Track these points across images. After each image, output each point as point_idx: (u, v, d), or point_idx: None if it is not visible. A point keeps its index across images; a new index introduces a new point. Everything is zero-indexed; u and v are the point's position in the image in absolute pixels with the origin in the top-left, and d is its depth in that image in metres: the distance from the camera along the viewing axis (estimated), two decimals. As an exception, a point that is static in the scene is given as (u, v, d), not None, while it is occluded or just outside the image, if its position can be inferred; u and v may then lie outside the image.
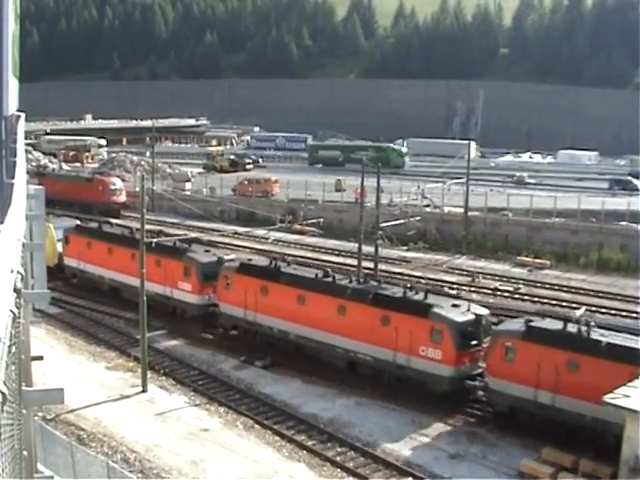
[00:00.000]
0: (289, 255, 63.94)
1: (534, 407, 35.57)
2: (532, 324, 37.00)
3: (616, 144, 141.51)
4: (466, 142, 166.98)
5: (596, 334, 34.78)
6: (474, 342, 38.98)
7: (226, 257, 53.56)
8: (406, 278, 60.90)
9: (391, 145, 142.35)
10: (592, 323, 36.33)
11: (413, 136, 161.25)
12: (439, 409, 38.01)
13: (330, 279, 45.02)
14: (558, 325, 36.27)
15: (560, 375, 34.36)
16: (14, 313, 6.75)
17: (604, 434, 32.06)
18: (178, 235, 61.47)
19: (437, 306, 39.64)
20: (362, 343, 41.88)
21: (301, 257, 67.18)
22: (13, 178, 10.18)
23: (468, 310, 39.83)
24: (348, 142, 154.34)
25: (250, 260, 52.44)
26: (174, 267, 52.35)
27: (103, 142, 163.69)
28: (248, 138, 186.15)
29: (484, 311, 41.02)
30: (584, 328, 35.14)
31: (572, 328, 35.55)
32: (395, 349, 40.17)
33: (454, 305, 40.37)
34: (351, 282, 44.74)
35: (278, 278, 46.71)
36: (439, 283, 61.43)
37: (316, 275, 45.79)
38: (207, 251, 54.54)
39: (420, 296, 41.36)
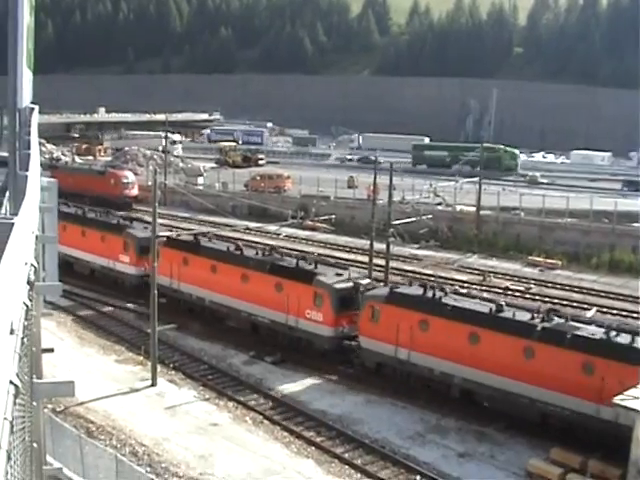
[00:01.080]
0: (304, 252, 64.04)
1: (396, 363, 40.96)
2: (395, 290, 42.72)
3: (630, 145, 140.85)
4: (421, 137, 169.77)
5: (449, 299, 39.88)
6: (352, 307, 43.51)
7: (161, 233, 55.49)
8: (417, 276, 60.83)
9: (503, 147, 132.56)
10: (447, 289, 42.25)
11: (427, 134, 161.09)
12: (448, 408, 37.99)
13: (238, 252, 49.67)
14: (418, 291, 41.47)
15: (414, 334, 39.77)
16: (27, 306, 6.76)
17: (450, 387, 38.92)
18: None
19: (321, 274, 45.23)
20: (261, 307, 47.17)
21: (312, 253, 67.15)
22: (27, 170, 10.19)
23: (349, 279, 45.07)
24: (456, 143, 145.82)
25: (179, 235, 58.10)
26: (115, 242, 58.76)
27: (177, 137, 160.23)
28: (208, 131, 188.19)
29: (365, 280, 46.32)
30: (439, 293, 40.51)
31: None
32: (287, 312, 45.58)
33: (337, 274, 45.84)
34: (257, 254, 49.95)
35: (197, 251, 52.47)
36: (450, 282, 61.33)
37: (227, 248, 51.32)
38: (145, 228, 58.15)
39: (310, 266, 46.86)
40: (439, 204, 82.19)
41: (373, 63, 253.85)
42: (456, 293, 42.53)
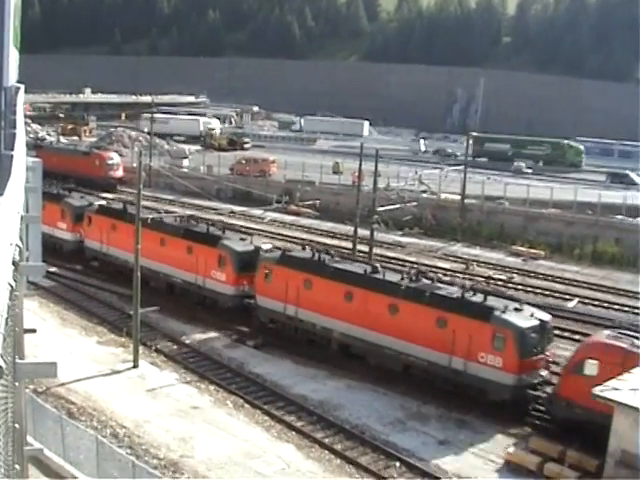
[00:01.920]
0: (288, 236, 64.14)
1: (285, 319, 45.17)
2: (286, 253, 46.96)
3: (615, 137, 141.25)
4: (360, 121, 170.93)
5: (334, 261, 44.34)
6: (252, 268, 47.41)
7: (95, 202, 64.33)
8: (400, 262, 60.92)
9: (567, 142, 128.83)
10: (333, 253, 46.59)
11: (413, 122, 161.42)
12: (428, 395, 38.09)
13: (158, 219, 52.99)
14: (307, 255, 45.87)
15: (300, 292, 43.81)
16: (11, 286, 6.74)
17: (330, 341, 43.21)
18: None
19: (226, 239, 50.14)
20: (176, 269, 51.81)
21: (296, 238, 67.16)
22: (12, 150, 10.15)
23: (251, 243, 50.27)
24: (520, 136, 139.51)
25: (109, 203, 64.83)
26: (53, 210, 60.10)
27: (216, 123, 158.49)
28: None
29: (266, 245, 51.22)
30: (324, 256, 44.73)
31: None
32: (196, 273, 50.62)
33: (241, 239, 51.00)
34: (175, 221, 54.42)
35: (123, 218, 56.53)
36: (433, 269, 61.43)
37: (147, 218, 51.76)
38: (82, 197, 65.79)
39: (219, 232, 51.63)
40: (424, 192, 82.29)
41: (361, 49, 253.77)
42: (342, 257, 46.98)
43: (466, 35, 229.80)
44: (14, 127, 11.21)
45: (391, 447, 32.87)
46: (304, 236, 71.44)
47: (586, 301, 54.90)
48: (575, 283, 60.36)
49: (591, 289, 58.64)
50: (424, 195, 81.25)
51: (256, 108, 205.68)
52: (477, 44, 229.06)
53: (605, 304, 54.14)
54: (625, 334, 34.21)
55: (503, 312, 36.46)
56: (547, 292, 57.22)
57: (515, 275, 62.05)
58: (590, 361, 32.75)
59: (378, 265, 44.27)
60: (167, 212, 60.96)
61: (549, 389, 35.81)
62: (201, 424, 34.31)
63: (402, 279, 40.96)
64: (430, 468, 31.08)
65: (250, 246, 49.59)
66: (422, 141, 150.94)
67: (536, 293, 56.77)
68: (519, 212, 76.69)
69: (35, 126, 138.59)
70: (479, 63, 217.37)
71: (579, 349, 35.57)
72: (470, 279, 58.65)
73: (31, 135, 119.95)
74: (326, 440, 33.48)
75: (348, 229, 63.68)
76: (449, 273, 60.58)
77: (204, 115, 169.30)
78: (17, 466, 7.91)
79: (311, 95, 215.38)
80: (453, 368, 37.45)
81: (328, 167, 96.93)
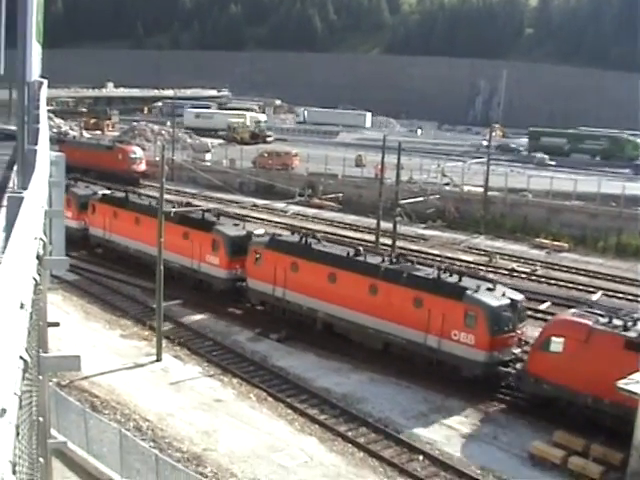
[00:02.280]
0: (310, 229, 64.10)
1: (274, 300, 47.12)
2: (275, 237, 48.78)
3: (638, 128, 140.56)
4: (363, 112, 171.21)
5: (319, 245, 46.26)
6: (245, 253, 48.99)
7: (99, 191, 65.08)
8: (423, 256, 60.82)
9: (625, 136, 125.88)
10: (318, 236, 48.83)
11: (435, 114, 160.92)
12: (452, 388, 38.02)
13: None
14: (294, 239, 48.06)
15: (287, 275, 45.78)
16: (36, 280, 6.75)
17: (315, 321, 45.10)
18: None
19: (220, 224, 51.93)
20: (173, 254, 51.36)
21: (319, 231, 67.18)
22: (36, 144, 10.17)
23: (243, 228, 52.20)
24: (577, 130, 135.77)
25: (112, 192, 64.90)
26: None
27: (263, 117, 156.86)
28: (160, 104, 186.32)
29: (259, 230, 52.40)
30: (310, 240, 46.73)
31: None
32: (192, 257, 52.40)
33: (235, 224, 52.95)
34: (173, 207, 53.12)
35: (125, 205, 59.58)
36: (456, 262, 61.30)
37: (149, 203, 57.43)
38: (87, 186, 67.02)
39: (213, 218, 53.31)
40: (447, 184, 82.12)
41: (383, 42, 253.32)
42: (328, 241, 49.14)
43: (488, 27, 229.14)
44: (37, 122, 11.23)
45: (415, 440, 32.82)
46: (327, 229, 71.39)
47: (610, 294, 54.64)
48: (599, 276, 60.06)
49: (615, 282, 58.32)
50: (447, 188, 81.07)
51: (278, 101, 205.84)
52: (500, 36, 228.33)
53: (629, 296, 53.82)
54: (591, 312, 35.83)
55: (475, 292, 38.03)
56: (571, 285, 56.98)
57: (538, 267, 61.82)
58: (556, 338, 34.26)
59: (361, 248, 45.76)
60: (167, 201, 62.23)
61: (520, 366, 37.02)
62: (224, 417, 34.34)
63: (382, 261, 42.86)
64: (454, 461, 31.01)
65: (243, 231, 51.64)
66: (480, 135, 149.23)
67: (560, 286, 56.56)
68: (542, 204, 76.36)
69: (58, 121, 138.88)
70: (502, 55, 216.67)
71: (545, 327, 37.33)
72: (493, 272, 58.64)
73: (54, 130, 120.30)
74: (349, 433, 33.45)
75: (371, 222, 63.59)
76: (472, 266, 60.45)
77: (250, 109, 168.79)
78: (41, 459, 7.94)
79: (333, 88, 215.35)
80: (428, 346, 39.31)
81: (351, 160, 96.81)
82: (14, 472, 3.99)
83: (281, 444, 31.92)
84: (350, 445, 32.35)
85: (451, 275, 40.38)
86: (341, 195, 72.01)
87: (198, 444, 31.57)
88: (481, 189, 77.28)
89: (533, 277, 59.06)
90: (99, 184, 71.49)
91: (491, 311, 37.32)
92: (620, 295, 54.31)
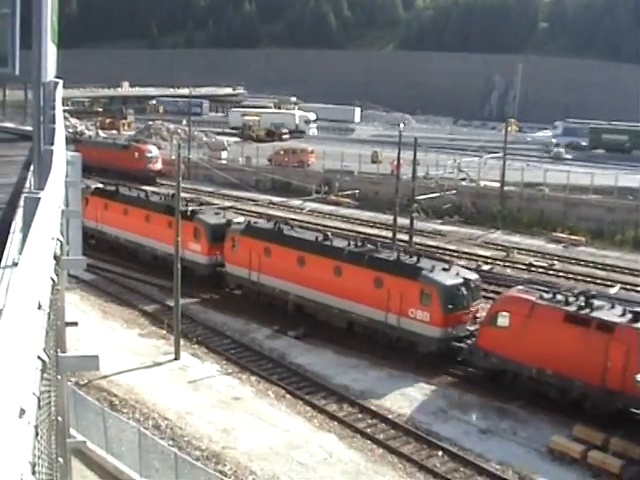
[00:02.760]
0: (324, 226, 64.16)
1: (249, 284, 49.84)
2: (250, 224, 51.70)
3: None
4: (352, 108, 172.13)
5: (291, 231, 49.45)
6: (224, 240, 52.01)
7: (92, 185, 67.08)
8: (441, 251, 60.79)
9: None
10: (289, 223, 53.32)
11: (451, 110, 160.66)
12: (470, 384, 37.99)
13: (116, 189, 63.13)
14: (268, 225, 51.04)
15: (261, 259, 48.64)
16: (53, 280, 6.77)
17: (287, 303, 47.99)
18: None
19: (201, 213, 54.90)
20: (157, 242, 56.61)
21: (336, 228, 67.10)
22: (52, 144, 10.20)
23: (224, 217, 55.15)
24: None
25: (105, 186, 68.05)
26: None
27: (312, 116, 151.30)
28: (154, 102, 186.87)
29: (239, 218, 55.69)
30: (283, 226, 50.05)
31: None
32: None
33: (216, 213, 56.12)
34: (160, 199, 60.26)
35: (115, 198, 62.89)
36: (473, 257, 61.22)
37: (137, 195, 62.88)
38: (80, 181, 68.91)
39: (195, 207, 56.17)
40: (463, 179, 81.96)
41: (397, 38, 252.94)
42: (301, 227, 52.97)
43: (503, 21, 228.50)
44: (53, 122, 11.26)
45: (433, 436, 32.84)
46: (343, 226, 71.40)
47: (628, 287, 54.46)
48: (617, 269, 59.89)
49: (633, 275, 58.15)
50: (463, 183, 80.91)
51: (293, 98, 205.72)
52: (514, 30, 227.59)
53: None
54: (536, 288, 38.80)
55: (430, 271, 40.76)
56: (589, 279, 56.81)
57: (556, 262, 61.67)
58: (502, 314, 36.95)
59: (329, 233, 49.78)
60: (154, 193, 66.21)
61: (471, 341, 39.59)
62: (243, 415, 34.39)
63: (348, 245, 45.64)
64: (473, 457, 31.00)
65: (223, 219, 54.65)
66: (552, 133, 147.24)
67: (577, 280, 56.39)
68: (559, 198, 76.13)
69: (74, 120, 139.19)
70: (516, 49, 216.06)
71: (493, 304, 40.18)
72: (511, 266, 58.57)
73: (70, 129, 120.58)
74: (368, 430, 33.49)
75: (387, 218, 63.52)
76: (489, 261, 60.38)
77: (297, 107, 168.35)
78: (60, 459, 7.95)
79: (348, 85, 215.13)
80: (389, 324, 42.08)
81: (367, 156, 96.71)
82: (33, 472, 4.00)
83: (300, 441, 31.96)
84: (369, 442, 32.41)
85: (410, 257, 43.46)
86: (357, 192, 72.07)
87: (217, 442, 31.64)
88: (497, 184, 77.18)
89: (551, 271, 58.90)
90: (92, 178, 73.41)
91: (444, 289, 39.96)
92: (639, 288, 54.13)
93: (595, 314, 34.36)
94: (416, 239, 60.03)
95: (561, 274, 57.91)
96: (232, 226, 52.87)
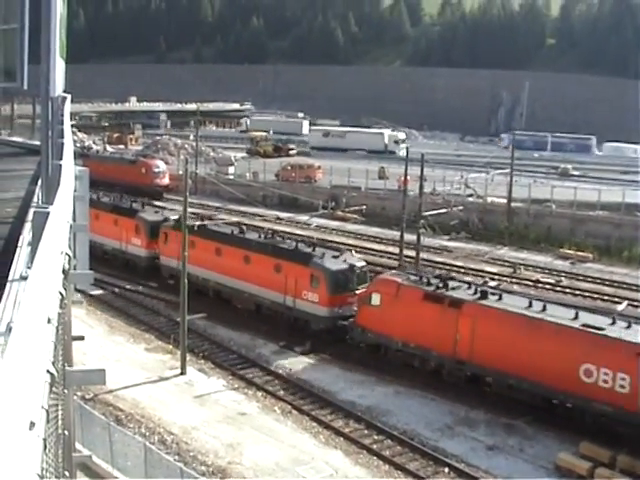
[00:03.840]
0: (333, 242, 64.20)
1: (178, 273, 49.35)
2: (179, 219, 52.73)
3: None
4: (300, 120, 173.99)
5: (213, 226, 54.66)
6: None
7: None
8: (447, 267, 60.75)
9: None
10: (213, 218, 60.03)
11: (458, 126, 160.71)
12: (477, 401, 37.92)
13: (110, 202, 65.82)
14: (195, 221, 53.80)
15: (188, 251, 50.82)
16: (62, 294, 6.78)
17: (207, 289, 53.44)
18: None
19: (142, 211, 61.35)
20: (107, 238, 61.55)
21: (342, 244, 67.11)
22: (61, 159, 10.23)
23: (162, 214, 61.41)
24: None
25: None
26: None
27: (402, 136, 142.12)
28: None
29: (175, 216, 58.56)
30: (208, 222, 55.15)
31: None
32: (120, 241, 62.00)
33: (155, 212, 63.13)
34: (108, 199, 66.07)
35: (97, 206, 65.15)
36: (480, 273, 61.16)
37: (97, 196, 64.96)
38: None
39: (138, 206, 63.66)
40: (470, 196, 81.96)
41: (404, 54, 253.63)
42: (226, 223, 57.43)
43: (510, 38, 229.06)
44: (62, 136, 11.30)
45: (440, 453, 32.76)
46: (350, 242, 71.36)
47: (636, 304, 54.33)
48: (624, 286, 59.73)
49: (640, 291, 58.03)
50: (470, 199, 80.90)
51: (301, 114, 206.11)
52: (521, 46, 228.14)
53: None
54: (406, 272, 45.26)
55: (320, 258, 46.65)
56: (596, 295, 56.70)
57: (563, 278, 61.57)
58: (374, 294, 42.41)
59: (244, 227, 55.32)
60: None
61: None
62: (249, 430, 34.36)
63: (259, 237, 51.63)
64: (479, 474, 30.93)
65: (161, 216, 60.62)
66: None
67: (585, 296, 56.30)
68: (566, 215, 76.05)
69: (81, 135, 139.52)
70: (524, 66, 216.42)
71: (369, 285, 44.79)
72: (518, 283, 58.50)
73: (77, 144, 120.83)
74: (374, 446, 33.42)
75: (394, 234, 63.53)
76: (496, 277, 60.29)
77: (386, 126, 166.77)
78: (66, 472, 7.95)
79: (355, 101, 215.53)
80: (287, 305, 47.69)
81: (374, 172, 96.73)
82: (41, 485, 4.01)
83: (306, 457, 31.91)
84: (375, 458, 32.35)
85: (308, 246, 49.20)
86: (364, 207, 72.07)
87: (223, 457, 31.60)
88: (504, 200, 77.15)
89: (558, 288, 58.80)
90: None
91: (330, 273, 45.72)
92: (646, 305, 54.03)
93: (448, 293, 39.97)
94: (423, 255, 59.97)
95: (568, 290, 57.82)
96: (165, 222, 58.85)
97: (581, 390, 34.09)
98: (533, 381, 35.71)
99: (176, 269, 51.80)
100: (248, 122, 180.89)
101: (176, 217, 57.71)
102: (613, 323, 35.25)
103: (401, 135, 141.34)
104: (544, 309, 36.98)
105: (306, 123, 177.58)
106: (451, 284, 41.08)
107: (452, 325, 38.34)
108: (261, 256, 48.81)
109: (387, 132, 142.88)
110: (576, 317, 35.77)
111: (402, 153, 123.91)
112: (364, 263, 48.92)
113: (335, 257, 47.29)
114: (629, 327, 34.72)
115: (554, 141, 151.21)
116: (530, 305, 37.69)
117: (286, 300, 47.48)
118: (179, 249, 49.06)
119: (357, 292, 45.14)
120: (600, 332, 34.25)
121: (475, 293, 39.48)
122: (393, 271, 47.79)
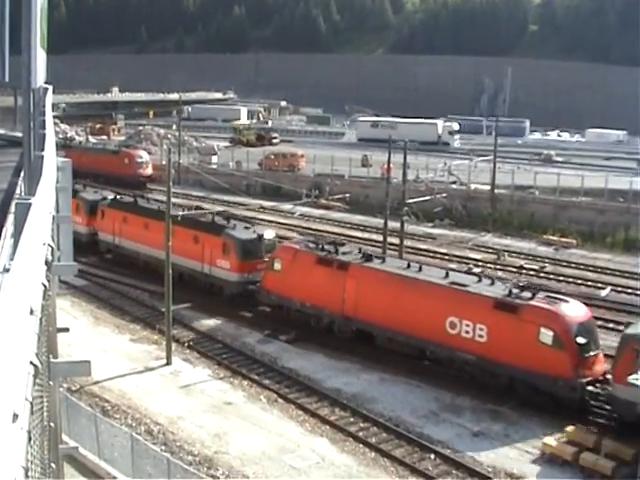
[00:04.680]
0: (317, 230, 64.22)
1: (114, 247, 61.60)
2: (115, 198, 63.72)
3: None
4: (239, 107, 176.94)
5: (143, 202, 61.44)
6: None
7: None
8: (431, 255, 60.88)
9: None
10: (147, 197, 66.44)
11: (441, 113, 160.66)
12: (462, 386, 38.01)
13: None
14: (129, 199, 62.65)
15: (121, 226, 59.99)
16: (45, 286, 6.77)
17: (138, 260, 58.59)
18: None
19: (228, 227, 57.12)
20: None
21: (326, 232, 67.14)
22: (43, 150, 10.21)
23: (101, 194, 65.98)
24: None
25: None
26: None
27: (456, 126, 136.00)
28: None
29: (114, 195, 65.04)
30: (138, 199, 61.76)
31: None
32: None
33: (95, 192, 67.76)
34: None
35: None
36: (464, 260, 61.29)
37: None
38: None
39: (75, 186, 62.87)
40: (453, 183, 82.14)
41: (387, 42, 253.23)
42: (155, 200, 63.38)
43: (492, 24, 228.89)
44: (44, 128, 11.27)
45: (425, 439, 32.83)
46: (334, 230, 71.41)
47: (619, 289, 54.56)
48: (608, 271, 59.96)
49: (624, 277, 58.22)
50: (454, 186, 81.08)
51: (283, 103, 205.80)
52: (504, 33, 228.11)
53: (638, 291, 53.73)
54: (306, 240, 51.08)
55: (232, 229, 51.73)
56: (579, 281, 56.94)
57: (547, 264, 61.76)
58: (276, 260, 47.56)
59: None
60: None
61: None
62: (235, 420, 34.38)
63: (183, 211, 53.73)
64: (465, 460, 31.01)
65: (100, 196, 65.10)
66: None
67: (568, 282, 56.49)
68: (550, 201, 76.26)
69: (64, 126, 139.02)
70: (506, 52, 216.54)
71: (273, 252, 49.43)
72: (502, 269, 58.67)
73: (60, 135, 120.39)
74: (360, 433, 33.47)
75: (378, 222, 63.55)
76: (480, 264, 60.41)
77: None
78: (53, 465, 7.95)
79: (338, 89, 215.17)
80: (204, 272, 52.67)
81: (357, 160, 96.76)
82: (26, 477, 4.01)
83: (292, 445, 31.96)
84: (361, 445, 32.40)
85: (224, 219, 53.86)
86: (348, 195, 72.00)
87: (209, 447, 31.62)
88: (488, 187, 77.32)
89: (541, 274, 58.99)
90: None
91: (240, 242, 50.63)
92: (629, 290, 54.25)
93: (337, 257, 44.43)
94: (407, 242, 60.02)
95: (552, 276, 58.00)
96: (103, 201, 63.81)
97: (448, 341, 38.43)
98: (409, 334, 40.18)
99: (112, 244, 61.64)
100: (189, 109, 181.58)
101: (111, 195, 65.40)
102: (479, 281, 39.63)
103: (455, 125, 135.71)
104: (420, 270, 41.64)
105: (244, 110, 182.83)
106: (342, 249, 45.94)
107: (340, 286, 42.41)
108: (183, 229, 50.34)
109: (440, 122, 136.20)
110: (446, 276, 40.44)
111: (456, 145, 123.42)
112: (274, 234, 54.04)
113: (247, 228, 52.79)
114: (492, 284, 39.03)
115: (489, 125, 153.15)
116: (408, 267, 42.34)
117: (204, 268, 52.62)
118: (114, 225, 60.33)
119: (266, 260, 49.64)
120: (463, 288, 38.61)
121: (362, 257, 44.23)
122: (294, 239, 55.58)
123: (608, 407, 33.36)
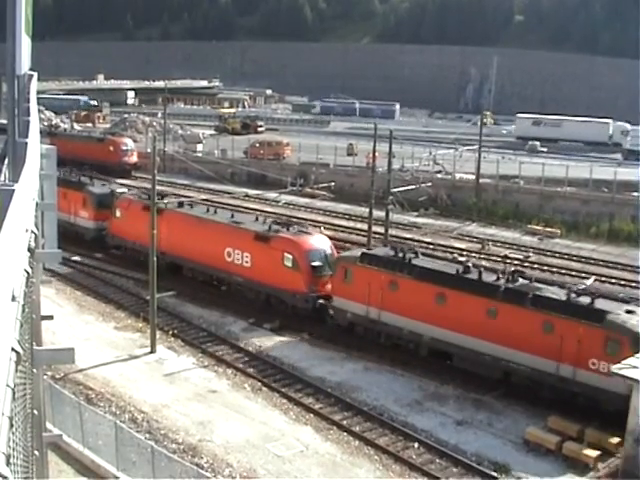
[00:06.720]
0: (303, 219, 64.21)
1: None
2: (121, 192, 63.04)
3: (630, 114, 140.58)
4: (127, 90, 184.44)
5: (139, 196, 61.38)
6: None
7: None
8: (416, 244, 60.98)
9: None
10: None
11: (427, 103, 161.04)
12: (446, 376, 38.11)
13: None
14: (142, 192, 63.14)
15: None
16: (28, 273, 6.76)
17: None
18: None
19: (90, 185, 64.87)
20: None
21: (311, 221, 67.15)
22: (26, 137, 10.17)
23: (109, 187, 65.73)
24: None
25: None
26: None
27: (629, 127, 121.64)
28: None
29: (121, 189, 65.19)
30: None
31: None
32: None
33: (102, 185, 67.09)
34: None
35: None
36: (449, 249, 61.38)
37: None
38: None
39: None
40: (439, 172, 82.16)
41: (373, 31, 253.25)
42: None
43: (479, 14, 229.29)
44: (28, 115, 11.23)
45: (409, 428, 32.90)
46: (319, 218, 71.42)
47: (603, 279, 54.72)
48: (591, 261, 60.18)
49: (607, 267, 58.44)
50: (439, 175, 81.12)
51: (269, 91, 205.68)
52: (490, 23, 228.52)
53: (622, 282, 53.94)
54: (143, 192, 59.73)
55: (91, 185, 64.10)
56: (563, 270, 57.08)
57: (531, 254, 61.90)
58: (117, 208, 58.30)
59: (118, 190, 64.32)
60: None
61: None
62: (219, 408, 34.40)
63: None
64: (448, 449, 31.11)
65: (108, 190, 64.57)
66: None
67: (552, 272, 56.62)
68: (534, 191, 76.42)
69: (49, 113, 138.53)
70: (492, 42, 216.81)
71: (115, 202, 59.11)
72: (486, 259, 58.74)
73: (45, 123, 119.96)
74: (344, 422, 33.52)
75: (363, 211, 63.54)
76: (465, 253, 60.48)
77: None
78: (36, 452, 7.94)
79: (324, 77, 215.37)
80: (71, 222, 61.43)
81: (342, 149, 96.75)
82: (8, 464, 4.01)
83: (276, 434, 32.00)
84: (345, 434, 32.45)
85: (89, 179, 65.65)
86: (333, 184, 72.02)
87: (193, 435, 31.63)
88: (473, 176, 77.45)
89: (526, 263, 59.09)
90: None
91: (95, 196, 62.15)
92: (613, 280, 54.41)
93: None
94: (392, 231, 60.09)
95: (536, 266, 58.13)
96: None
97: (226, 267, 49.56)
98: (203, 264, 51.41)
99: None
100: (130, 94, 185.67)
101: (121, 189, 66.41)
102: (255, 221, 51.08)
103: (628, 125, 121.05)
104: (215, 212, 53.42)
105: (131, 93, 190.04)
106: (167, 199, 53.79)
107: (157, 227, 43.89)
108: (66, 190, 58.53)
109: (613, 123, 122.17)
110: (231, 217, 51.87)
111: (629, 146, 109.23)
112: (124, 190, 64.01)
113: (103, 185, 65.73)
114: (257, 221, 50.96)
115: (362, 107, 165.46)
116: (208, 211, 53.39)
117: (70, 219, 61.52)
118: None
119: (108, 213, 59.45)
120: (237, 225, 49.85)
121: (178, 204, 54.33)
122: (132, 191, 63.88)
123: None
